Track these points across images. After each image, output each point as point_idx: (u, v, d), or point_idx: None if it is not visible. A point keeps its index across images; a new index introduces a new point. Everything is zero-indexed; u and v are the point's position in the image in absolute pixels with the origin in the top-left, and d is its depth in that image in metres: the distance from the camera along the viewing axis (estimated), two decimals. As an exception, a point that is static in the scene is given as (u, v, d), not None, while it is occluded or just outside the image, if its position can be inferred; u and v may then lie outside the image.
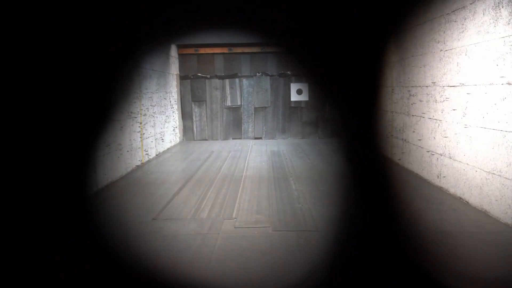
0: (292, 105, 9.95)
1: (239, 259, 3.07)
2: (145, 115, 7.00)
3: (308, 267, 2.23)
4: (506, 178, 3.60)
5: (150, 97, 7.34)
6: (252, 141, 9.70)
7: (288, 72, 9.83)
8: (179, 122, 9.71)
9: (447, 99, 4.73)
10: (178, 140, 9.57)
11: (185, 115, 9.98)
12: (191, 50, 9.75)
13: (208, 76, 9.88)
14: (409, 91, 5.94)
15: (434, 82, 5.06)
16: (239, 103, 9.99)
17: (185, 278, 2.30)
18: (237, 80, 9.92)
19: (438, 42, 4.90)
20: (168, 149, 8.57)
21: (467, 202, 4.24)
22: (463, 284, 2.09)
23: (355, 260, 2.03)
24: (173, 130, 9.15)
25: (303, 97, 9.83)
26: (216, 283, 2.25)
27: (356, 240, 2.08)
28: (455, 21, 4.46)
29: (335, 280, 2.05)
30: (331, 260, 2.16)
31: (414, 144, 5.78)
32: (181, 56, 9.78)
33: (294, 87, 9.85)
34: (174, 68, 9.36)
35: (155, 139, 7.68)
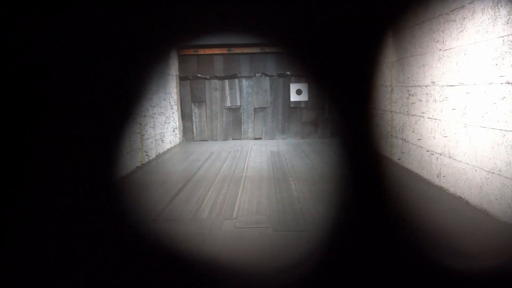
0: (292, 105, 9.96)
1: (239, 260, 3.07)
2: (144, 116, 7.00)
3: (306, 264, 2.24)
4: (506, 177, 3.60)
5: (150, 98, 7.34)
6: (252, 142, 9.70)
7: (288, 73, 9.83)
8: (178, 123, 9.72)
9: (446, 99, 4.73)
10: (178, 141, 9.57)
11: (185, 116, 9.99)
12: (190, 51, 9.75)
13: (208, 77, 9.89)
14: (408, 90, 5.95)
15: (433, 82, 5.07)
16: (238, 103, 9.99)
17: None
18: (236, 80, 9.92)
19: (437, 42, 4.90)
20: (168, 150, 8.57)
21: (467, 202, 4.24)
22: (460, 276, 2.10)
23: (353, 258, 2.03)
24: (173, 131, 9.15)
25: (303, 97, 9.84)
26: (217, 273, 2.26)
27: (355, 239, 2.09)
28: (454, 21, 4.46)
29: (334, 279, 2.05)
30: (329, 258, 2.17)
31: (413, 144, 5.79)
32: (181, 57, 9.79)
33: (293, 88, 9.85)
34: (173, 69, 9.37)
35: (155, 140, 7.69)
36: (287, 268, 2.29)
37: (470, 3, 4.13)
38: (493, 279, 2.10)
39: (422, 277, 1.99)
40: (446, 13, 4.64)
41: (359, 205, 2.23)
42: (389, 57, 6.73)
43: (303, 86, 9.77)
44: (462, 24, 4.31)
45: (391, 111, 6.78)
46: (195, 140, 10.01)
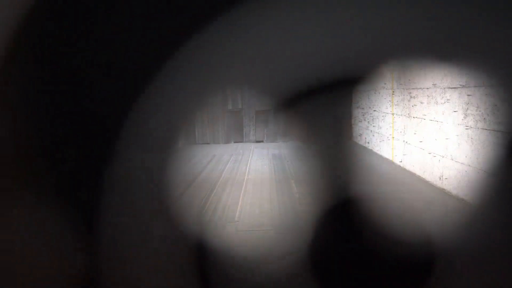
0: (293, 108, 9.96)
1: (240, 262, 3.07)
2: (146, 119, 7.01)
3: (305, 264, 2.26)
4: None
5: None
6: (253, 145, 9.71)
7: (289, 75, 9.85)
8: (180, 126, 9.73)
9: (448, 101, 4.73)
10: (179, 144, 9.57)
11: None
12: (192, 54, 9.78)
13: (209, 80, 9.91)
14: (409, 93, 5.95)
15: (434, 84, 5.07)
16: (240, 106, 10.00)
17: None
18: (238, 83, 9.94)
19: (438, 44, 4.90)
20: (170, 153, 8.57)
21: (470, 204, 4.23)
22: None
23: (352, 258, 2.04)
24: (175, 134, 9.17)
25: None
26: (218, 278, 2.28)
27: (355, 239, 2.09)
28: (455, 23, 4.47)
29: (328, 276, 2.06)
30: (328, 257, 2.18)
31: (415, 146, 5.78)
32: (182, 60, 9.82)
33: (295, 90, 9.87)
34: (175, 72, 9.40)
35: (157, 143, 7.69)
36: (284, 255, 2.35)
37: (471, 6, 4.14)
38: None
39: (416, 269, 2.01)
40: (447, 16, 4.65)
41: (359, 206, 2.23)
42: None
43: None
44: (463, 26, 4.31)
45: (393, 114, 6.78)
46: (197, 143, 10.02)
